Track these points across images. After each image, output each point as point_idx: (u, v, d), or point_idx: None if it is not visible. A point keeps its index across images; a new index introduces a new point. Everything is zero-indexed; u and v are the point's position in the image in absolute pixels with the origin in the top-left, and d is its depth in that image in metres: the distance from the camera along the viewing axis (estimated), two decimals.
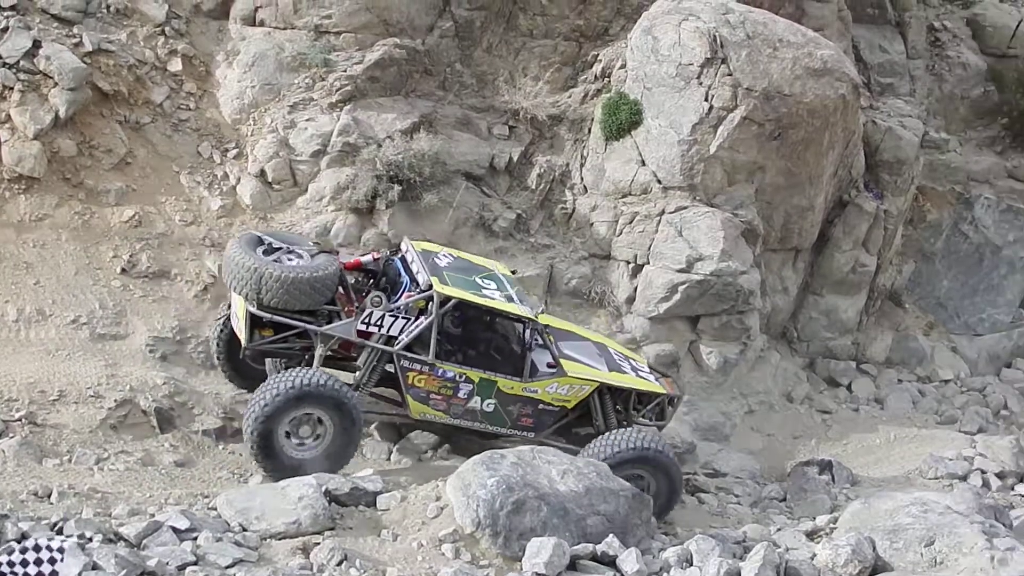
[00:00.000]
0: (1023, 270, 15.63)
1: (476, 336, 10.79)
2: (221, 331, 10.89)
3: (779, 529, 10.77)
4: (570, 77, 13.07)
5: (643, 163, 12.56)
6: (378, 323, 10.07)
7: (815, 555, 9.76)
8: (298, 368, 9.85)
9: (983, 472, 12.94)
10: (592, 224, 12.64)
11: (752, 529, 10.48)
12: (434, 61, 12.80)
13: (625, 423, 10.82)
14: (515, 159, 12.66)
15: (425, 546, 8.31)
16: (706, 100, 12.27)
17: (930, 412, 14.21)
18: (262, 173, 12.10)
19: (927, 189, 15.30)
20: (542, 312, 10.95)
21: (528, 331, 10.49)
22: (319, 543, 8.05)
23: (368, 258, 10.91)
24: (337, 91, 12.27)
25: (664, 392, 11.05)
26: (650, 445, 10.25)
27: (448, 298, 10.11)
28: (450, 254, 10.88)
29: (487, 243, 12.12)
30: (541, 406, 10.54)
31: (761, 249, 12.86)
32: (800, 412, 13.32)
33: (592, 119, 12.86)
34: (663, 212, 12.33)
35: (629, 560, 8.76)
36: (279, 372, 10.03)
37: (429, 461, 10.33)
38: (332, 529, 8.36)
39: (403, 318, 10.01)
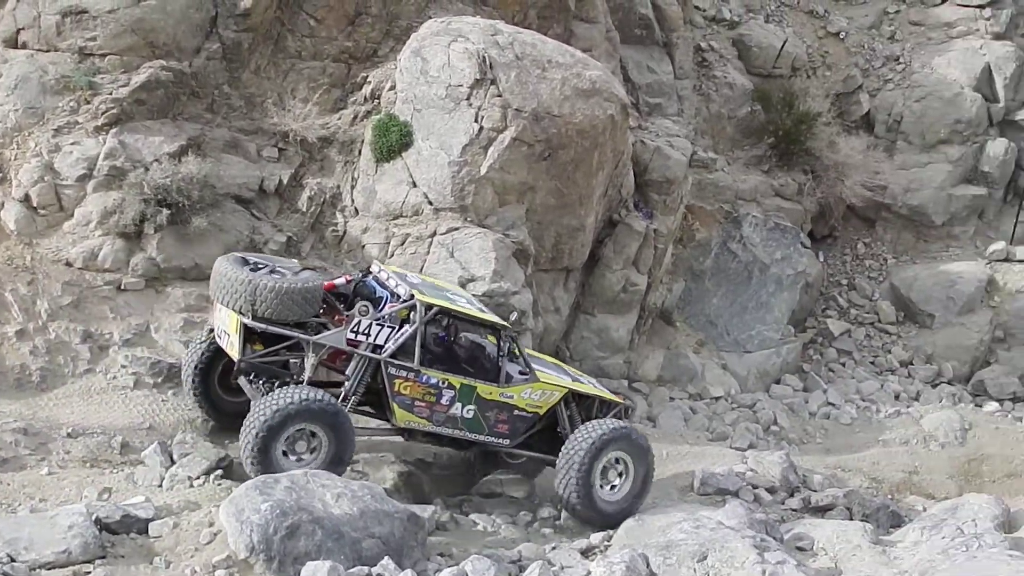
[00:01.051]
0: (791, 287, 18.04)
1: (457, 351, 12.54)
2: (198, 362, 12.13)
3: (554, 548, 11.82)
4: (340, 99, 14.45)
5: (414, 184, 14.02)
6: (366, 332, 11.66)
7: (590, 572, 10.93)
8: (292, 386, 11.17)
9: (754, 487, 14.44)
10: (364, 246, 13.98)
11: (527, 548, 11.58)
12: (202, 83, 13.88)
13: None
14: (285, 182, 13.94)
15: (199, 573, 9.25)
16: (476, 121, 13.81)
17: (701, 429, 16.06)
18: (27, 198, 12.98)
19: (696, 208, 17.52)
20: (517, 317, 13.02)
21: (503, 339, 12.34)
22: (90, 572, 8.93)
23: (341, 281, 12.54)
24: (103, 114, 13.23)
25: (623, 402, 13.17)
26: (628, 429, 12.46)
27: (430, 305, 11.92)
28: (417, 276, 12.71)
29: None
30: (516, 412, 12.37)
31: (533, 269, 14.47)
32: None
33: (362, 141, 14.23)
34: (435, 233, 13.79)
35: None
36: (262, 393, 11.34)
37: (201, 487, 11.16)
38: (103, 558, 9.22)
39: (388, 327, 11.62)
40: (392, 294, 12.09)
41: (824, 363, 18.54)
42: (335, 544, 9.88)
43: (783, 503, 14.70)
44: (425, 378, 11.85)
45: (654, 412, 16.07)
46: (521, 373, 12.54)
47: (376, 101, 14.39)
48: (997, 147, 20.45)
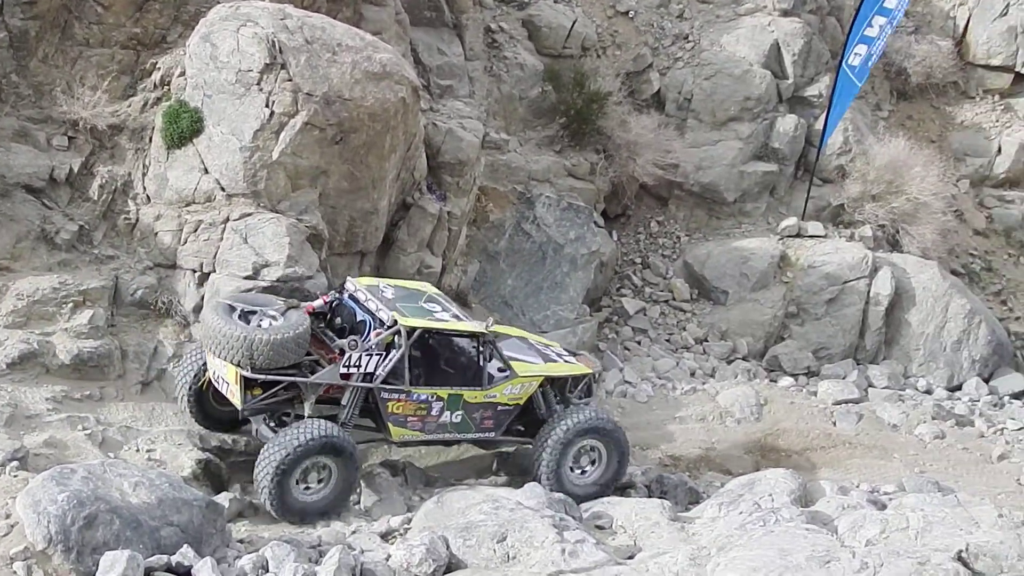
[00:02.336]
0: (585, 267, 20.02)
1: (437, 357, 15.27)
2: (190, 383, 14.90)
3: (354, 532, 13.27)
4: (129, 86, 16.15)
5: (206, 171, 15.86)
6: (356, 364, 14.13)
7: (390, 556, 12.18)
8: (309, 422, 13.89)
9: None
10: (157, 233, 15.72)
11: (327, 533, 13.01)
12: None
13: (562, 405, 15.59)
14: (76, 170, 15.62)
15: None
16: (267, 106, 15.66)
17: None
18: None
19: (489, 189, 19.59)
20: (493, 324, 15.26)
21: (482, 345, 14.95)
22: None
23: (319, 303, 15.03)
24: None
25: (590, 371, 16.06)
26: (601, 418, 15.27)
27: (413, 329, 14.42)
28: (389, 285, 15.26)
29: (49, 256, 15.02)
30: (499, 408, 15.03)
31: (327, 253, 16.37)
32: None
33: (153, 128, 15.95)
34: (228, 220, 15.59)
35: (204, 569, 11.05)
36: (280, 428, 14.08)
37: None
38: None
39: (376, 355, 14.26)
40: (374, 319, 14.53)
41: (620, 342, 20.57)
42: (133, 533, 11.01)
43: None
44: (415, 396, 14.55)
45: None
46: (500, 370, 15.13)
47: (166, 88, 16.14)
48: (787, 123, 22.95)
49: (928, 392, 20.94)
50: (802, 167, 23.45)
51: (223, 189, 15.91)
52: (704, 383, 20.09)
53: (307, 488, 13.86)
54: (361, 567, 11.85)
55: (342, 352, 14.22)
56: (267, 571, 11.62)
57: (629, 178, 21.62)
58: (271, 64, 15.79)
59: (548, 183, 20.54)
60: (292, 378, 14.11)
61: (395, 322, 14.37)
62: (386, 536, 13.20)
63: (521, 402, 15.36)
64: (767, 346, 21.29)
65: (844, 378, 20.66)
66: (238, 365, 13.91)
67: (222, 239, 15.72)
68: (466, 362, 15.30)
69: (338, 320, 14.96)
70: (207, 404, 15.12)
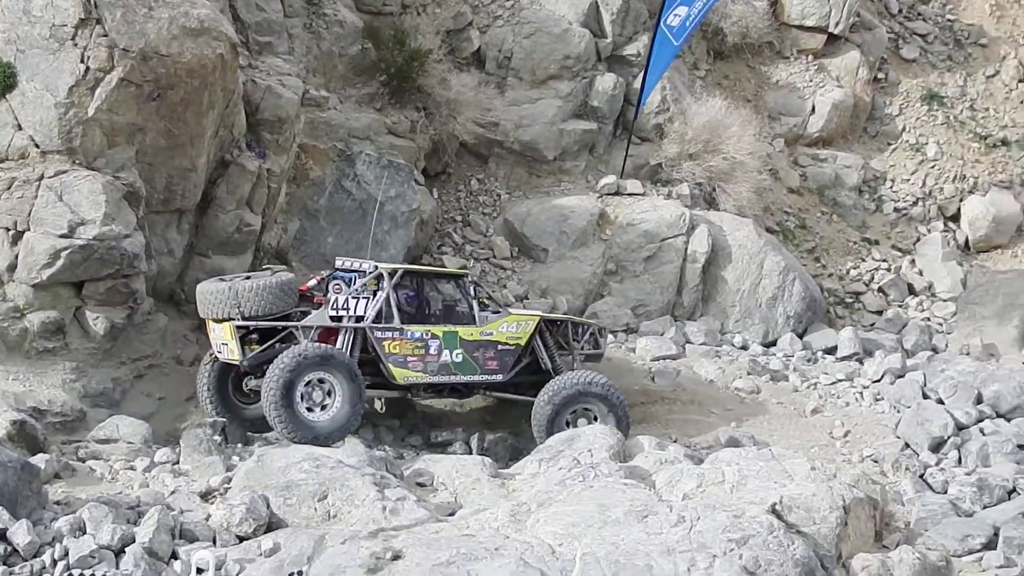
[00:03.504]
0: (405, 225, 20.64)
1: (428, 301, 16.82)
2: (208, 383, 16.54)
3: (173, 492, 13.65)
4: None
5: (19, 127, 16.17)
6: (344, 307, 15.96)
7: (210, 516, 12.60)
8: (304, 343, 15.54)
9: (375, 426, 17.24)
10: None
11: (146, 493, 13.35)
12: None
13: (568, 355, 17.39)
14: None
15: None
16: (82, 62, 16.04)
17: None
18: None
19: (309, 147, 20.18)
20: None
21: (466, 284, 16.84)
22: None
23: (312, 282, 16.78)
24: None
25: (594, 322, 17.67)
26: (591, 381, 16.62)
27: (395, 271, 16.44)
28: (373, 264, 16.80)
29: None
30: (500, 347, 16.51)
31: (144, 211, 16.84)
32: (191, 374, 17.17)
33: None
34: (42, 177, 15.93)
35: (20, 531, 11.50)
36: None
37: None
38: None
39: (364, 298, 16.07)
40: (359, 272, 16.04)
41: None
42: None
43: (403, 440, 17.53)
44: (409, 334, 16.14)
45: None
46: (494, 312, 16.60)
47: None
48: (606, 82, 23.88)
49: (744, 348, 21.95)
50: (621, 126, 24.36)
51: (37, 146, 16.26)
52: None
53: (317, 408, 15.46)
54: (180, 527, 12.32)
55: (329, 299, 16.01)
56: (84, 532, 12.03)
57: (450, 136, 22.34)
58: (86, 19, 16.19)
59: (368, 141, 21.14)
60: (283, 323, 15.84)
61: (375, 267, 16.41)
62: (206, 496, 13.61)
63: (522, 342, 16.90)
64: (587, 303, 22.05)
65: (662, 335, 21.45)
66: (230, 318, 15.59)
67: (36, 197, 16.04)
68: (456, 303, 16.91)
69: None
70: (231, 404, 16.71)
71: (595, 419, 16.64)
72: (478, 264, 22.08)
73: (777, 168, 25.68)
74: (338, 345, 15.93)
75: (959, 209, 26.85)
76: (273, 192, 19.08)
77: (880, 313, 24.53)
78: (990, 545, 14.70)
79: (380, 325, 16.14)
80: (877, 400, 20.33)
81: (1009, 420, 18.71)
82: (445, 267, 18.55)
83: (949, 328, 23.97)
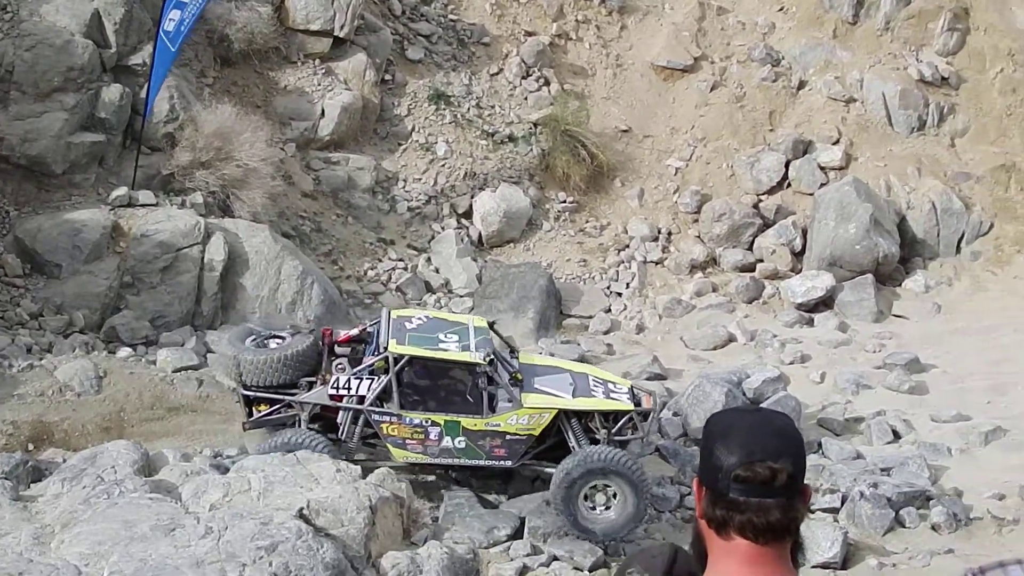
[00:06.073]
0: None
1: (437, 385, 17.56)
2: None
3: None
4: None
5: None
6: (346, 386, 17.23)
7: None
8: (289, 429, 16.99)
9: None
10: None
11: None
12: None
13: (599, 441, 17.54)
14: None
15: None
16: None
17: None
18: None
19: None
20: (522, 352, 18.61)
21: (478, 375, 17.30)
22: None
23: (355, 331, 18.36)
24: None
25: (629, 408, 17.74)
26: (610, 459, 17.06)
27: (401, 356, 17.22)
28: (425, 316, 17.88)
29: None
30: (508, 437, 16.99)
31: None
32: None
33: None
34: None
35: None
36: None
37: None
38: None
39: (367, 378, 17.32)
40: (378, 345, 17.60)
41: None
42: None
43: None
44: (408, 420, 17.20)
45: None
46: (508, 400, 17.15)
47: None
48: (112, 93, 25.03)
49: None
50: (129, 136, 25.47)
51: None
52: (42, 359, 21.37)
53: None
54: None
55: (330, 374, 17.26)
56: None
57: None
58: None
59: None
60: (280, 396, 17.43)
61: (385, 348, 17.37)
62: None
63: (535, 432, 17.59)
64: (104, 317, 23.02)
65: (183, 345, 22.60)
66: (235, 382, 17.42)
67: None
68: (466, 391, 17.73)
69: (369, 347, 17.78)
70: None
71: (614, 496, 17.47)
72: None
73: (291, 173, 27.50)
74: (338, 421, 17.52)
75: (471, 206, 29.68)
76: None
77: None
78: (516, 535, 17.15)
79: (379, 409, 17.47)
80: None
81: None
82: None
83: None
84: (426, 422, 17.54)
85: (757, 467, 3.67)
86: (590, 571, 17.00)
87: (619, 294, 29.00)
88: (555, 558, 17.12)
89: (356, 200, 28.67)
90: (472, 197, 29.87)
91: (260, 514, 13.97)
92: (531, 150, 30.68)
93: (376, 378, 17.52)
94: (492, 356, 17.83)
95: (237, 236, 24.50)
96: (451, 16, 32.43)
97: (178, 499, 14.81)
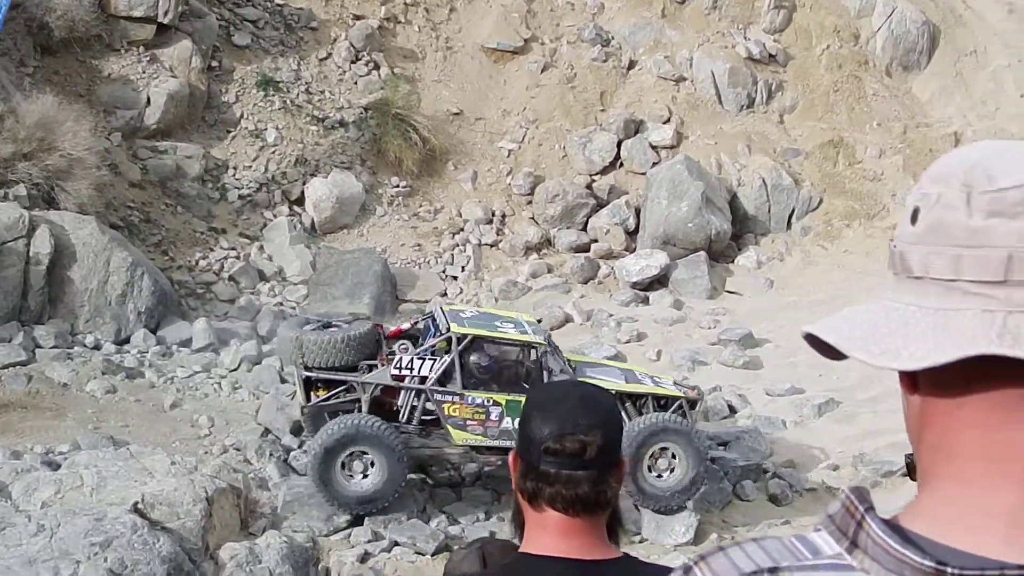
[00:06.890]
0: None
1: (498, 366, 17.99)
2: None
3: None
4: None
5: None
6: (408, 367, 17.55)
7: None
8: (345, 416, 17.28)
9: None
10: None
11: None
12: None
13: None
14: None
15: None
16: None
17: None
18: None
19: None
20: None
21: (539, 354, 17.67)
22: None
23: (407, 325, 18.74)
24: None
25: (680, 395, 18.34)
26: (665, 425, 17.67)
27: (464, 335, 17.65)
28: (477, 310, 18.22)
29: None
30: None
31: None
32: None
33: None
34: None
35: None
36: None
37: None
38: None
39: (430, 359, 17.61)
40: (437, 330, 18.05)
41: None
42: None
43: None
44: (470, 399, 17.63)
45: None
46: None
47: None
48: None
49: (97, 348, 23.21)
50: None
51: None
52: None
53: (350, 476, 17.21)
54: None
55: (393, 355, 17.66)
56: None
57: None
58: None
59: None
60: (342, 376, 17.63)
61: (448, 328, 17.76)
62: None
63: None
64: None
65: (10, 341, 22.33)
66: (295, 364, 17.59)
67: None
68: (527, 372, 18.06)
69: (421, 340, 18.19)
70: None
71: (673, 457, 18.00)
72: None
73: (117, 163, 27.37)
74: (399, 402, 17.77)
75: (303, 192, 29.82)
76: None
77: (233, 302, 26.60)
78: (357, 521, 17.40)
79: (441, 389, 17.69)
80: (236, 389, 22.34)
81: None
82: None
83: (303, 311, 26.15)
84: (487, 402, 18.01)
85: (567, 440, 3.74)
86: (432, 556, 17.21)
87: (455, 278, 29.39)
88: (396, 543, 17.32)
89: (185, 189, 28.58)
90: (304, 184, 29.97)
91: (94, 510, 13.84)
92: (362, 135, 30.91)
93: (438, 358, 18.01)
94: (550, 340, 18.85)
95: (63, 228, 24.21)
96: (278, 1, 32.49)
97: (8, 497, 14.62)
